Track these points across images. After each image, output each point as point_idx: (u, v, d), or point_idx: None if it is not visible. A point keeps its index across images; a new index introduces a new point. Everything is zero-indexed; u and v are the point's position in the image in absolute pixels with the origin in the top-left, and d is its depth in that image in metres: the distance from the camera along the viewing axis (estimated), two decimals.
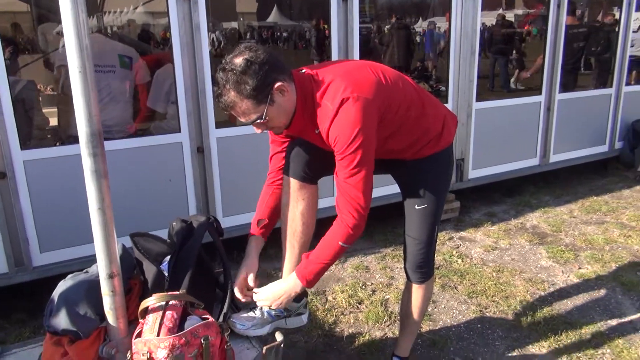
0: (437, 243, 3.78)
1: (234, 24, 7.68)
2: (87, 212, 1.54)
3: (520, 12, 8.96)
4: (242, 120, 1.67)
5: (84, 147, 1.48)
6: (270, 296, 1.84)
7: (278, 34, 9.20)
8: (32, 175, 2.82)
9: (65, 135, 3.40)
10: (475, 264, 3.51)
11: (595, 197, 4.79)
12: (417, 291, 2.21)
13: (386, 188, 3.99)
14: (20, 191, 2.80)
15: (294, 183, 1.91)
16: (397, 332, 2.72)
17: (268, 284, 1.89)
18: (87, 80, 1.44)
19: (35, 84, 3.61)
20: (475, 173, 4.45)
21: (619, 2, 5.19)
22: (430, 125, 1.93)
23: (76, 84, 1.44)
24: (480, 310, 2.94)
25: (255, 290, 1.88)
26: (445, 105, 2.20)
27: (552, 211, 4.47)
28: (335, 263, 3.50)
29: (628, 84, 5.39)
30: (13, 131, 2.73)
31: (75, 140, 3.16)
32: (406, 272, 2.21)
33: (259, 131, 1.74)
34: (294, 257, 1.97)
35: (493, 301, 3.03)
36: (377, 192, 3.91)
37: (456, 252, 3.68)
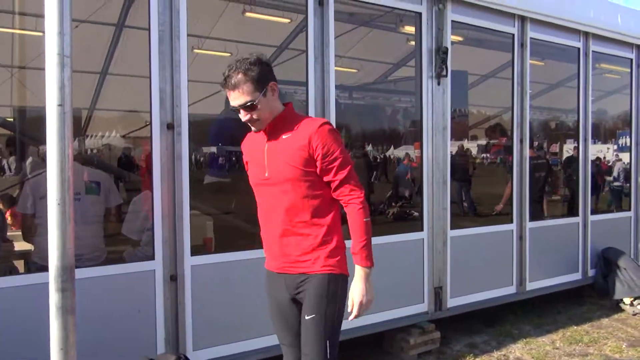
0: None
1: (213, 149, 7.94)
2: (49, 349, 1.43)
3: (483, 142, 9.56)
4: (236, 103, 2.04)
5: (52, 281, 1.42)
6: (357, 297, 2.07)
7: None
8: None
9: (33, 261, 3.28)
10: None
11: (575, 327, 4.71)
12: None
13: (362, 318, 3.88)
14: None
15: None
16: None
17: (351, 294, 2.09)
18: (66, 212, 1.42)
19: (2, 212, 3.55)
20: (453, 301, 4.38)
21: (575, 135, 5.61)
22: (338, 233, 2.15)
23: (53, 216, 1.41)
24: None
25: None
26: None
27: (534, 342, 4.35)
28: None
29: (594, 212, 5.61)
30: None
31: (40, 267, 3.05)
32: None
33: (245, 117, 2.07)
34: None
35: None
36: (354, 323, 3.80)
37: None
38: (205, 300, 3.22)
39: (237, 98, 2.03)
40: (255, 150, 2.19)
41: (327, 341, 2.04)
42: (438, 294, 4.27)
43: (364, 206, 2.06)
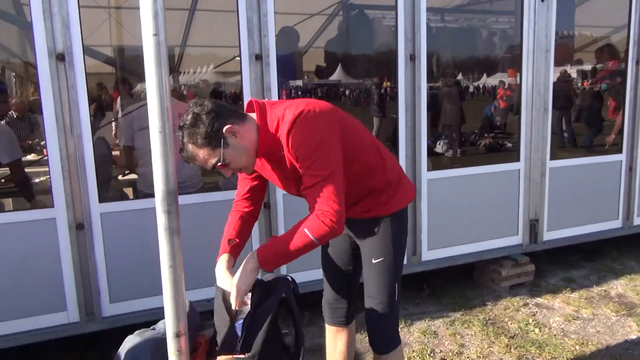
0: (511, 309, 3.56)
1: (299, 82, 7.95)
2: (158, 265, 1.55)
3: (588, 67, 8.72)
4: (208, 168, 1.74)
5: (159, 204, 1.50)
6: (235, 280, 1.76)
7: (342, 90, 9.44)
8: (108, 227, 2.92)
9: (139, 189, 3.54)
10: (555, 335, 3.23)
11: None
12: None
13: (453, 249, 3.84)
14: (96, 242, 2.90)
15: (331, 329, 2.25)
16: None
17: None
18: (167, 140, 1.48)
19: (106, 140, 3.80)
20: (550, 235, 4.19)
21: None
22: (385, 176, 1.93)
23: (156, 144, 1.48)
24: None
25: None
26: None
27: (639, 278, 4.09)
28: (401, 326, 3.34)
29: None
30: (93, 184, 2.87)
31: (147, 195, 3.30)
32: (370, 342, 2.09)
33: (227, 175, 1.80)
34: None
35: None
36: (444, 253, 3.79)
37: (533, 320, 3.42)
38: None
39: (204, 165, 1.74)
40: (265, 169, 1.92)
41: (396, 283, 2.01)
42: (534, 226, 4.10)
43: (326, 228, 1.66)
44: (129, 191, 3.92)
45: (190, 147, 1.70)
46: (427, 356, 3.00)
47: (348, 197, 1.88)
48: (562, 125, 7.35)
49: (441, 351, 3.06)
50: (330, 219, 1.66)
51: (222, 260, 1.90)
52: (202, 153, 1.70)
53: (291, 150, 1.70)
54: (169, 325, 1.56)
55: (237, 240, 1.94)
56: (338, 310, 2.20)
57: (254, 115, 1.79)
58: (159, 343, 1.67)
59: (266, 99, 1.84)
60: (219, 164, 1.71)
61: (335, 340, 2.24)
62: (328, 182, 1.67)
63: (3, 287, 2.77)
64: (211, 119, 1.68)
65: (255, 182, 1.98)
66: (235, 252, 1.94)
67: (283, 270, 3.33)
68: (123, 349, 1.71)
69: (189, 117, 1.70)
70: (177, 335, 1.56)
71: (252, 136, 1.75)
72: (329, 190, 1.67)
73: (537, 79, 3.93)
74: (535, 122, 3.99)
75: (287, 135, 1.69)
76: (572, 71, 8.28)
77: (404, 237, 2.04)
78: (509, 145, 7.07)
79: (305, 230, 1.68)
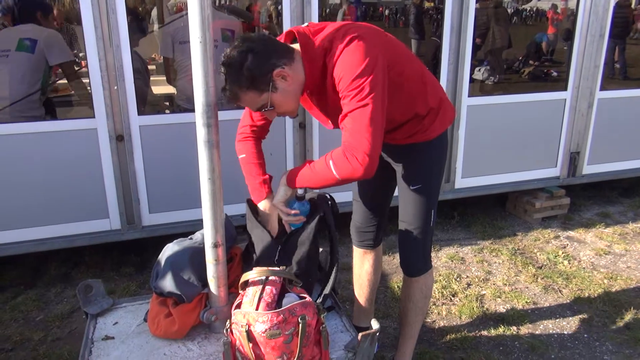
0: (541, 240, 3.56)
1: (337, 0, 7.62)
2: (195, 178, 1.58)
3: None
4: (252, 110, 1.66)
5: (199, 117, 1.50)
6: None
7: (380, 10, 9.04)
8: (147, 140, 2.97)
9: (175, 104, 3.56)
10: (584, 268, 3.23)
11: None
12: (412, 286, 2.11)
13: (487, 177, 3.80)
14: (135, 154, 2.97)
15: (359, 251, 2.29)
16: (493, 332, 2.59)
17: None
18: (207, 51, 1.45)
19: (138, 54, 3.72)
20: (590, 169, 4.07)
21: None
22: (427, 103, 1.82)
23: (196, 54, 1.45)
24: (588, 319, 2.70)
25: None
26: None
27: None
28: None
29: None
30: (132, 97, 2.88)
31: (184, 109, 3.31)
32: (401, 264, 2.11)
33: (271, 118, 1.73)
34: (361, 304, 2.36)
35: (603, 311, 2.77)
36: (478, 181, 3.74)
37: (562, 253, 3.41)
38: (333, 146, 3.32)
39: (248, 106, 1.65)
40: (305, 102, 1.79)
41: (432, 210, 1.97)
42: (574, 159, 3.98)
43: (353, 172, 1.51)
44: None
45: (234, 88, 1.57)
46: (454, 281, 3.06)
47: (389, 123, 1.82)
48: (614, 55, 6.93)
49: (467, 277, 3.11)
50: (357, 160, 1.50)
51: (266, 203, 1.81)
52: (247, 96, 1.58)
53: (334, 79, 1.56)
54: (207, 235, 1.61)
55: (267, 176, 1.86)
56: (366, 234, 2.23)
57: (297, 46, 1.63)
58: (197, 251, 1.74)
59: (306, 24, 1.71)
60: (263, 110, 1.62)
61: (362, 261, 2.29)
62: (366, 113, 1.50)
63: (50, 193, 2.89)
64: (259, 61, 1.52)
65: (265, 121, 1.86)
66: (270, 188, 1.86)
67: None
68: (163, 256, 1.79)
69: (236, 54, 1.53)
70: (215, 245, 1.62)
71: (300, 76, 1.61)
72: (365, 123, 1.50)
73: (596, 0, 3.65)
74: (589, 48, 3.75)
75: (334, 64, 1.55)
76: None
77: (443, 163, 1.99)
78: (555, 74, 6.75)
79: (332, 166, 1.55)
